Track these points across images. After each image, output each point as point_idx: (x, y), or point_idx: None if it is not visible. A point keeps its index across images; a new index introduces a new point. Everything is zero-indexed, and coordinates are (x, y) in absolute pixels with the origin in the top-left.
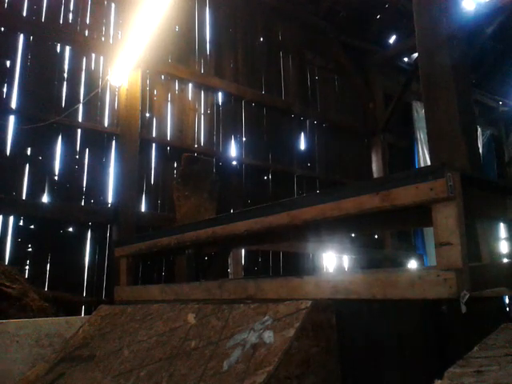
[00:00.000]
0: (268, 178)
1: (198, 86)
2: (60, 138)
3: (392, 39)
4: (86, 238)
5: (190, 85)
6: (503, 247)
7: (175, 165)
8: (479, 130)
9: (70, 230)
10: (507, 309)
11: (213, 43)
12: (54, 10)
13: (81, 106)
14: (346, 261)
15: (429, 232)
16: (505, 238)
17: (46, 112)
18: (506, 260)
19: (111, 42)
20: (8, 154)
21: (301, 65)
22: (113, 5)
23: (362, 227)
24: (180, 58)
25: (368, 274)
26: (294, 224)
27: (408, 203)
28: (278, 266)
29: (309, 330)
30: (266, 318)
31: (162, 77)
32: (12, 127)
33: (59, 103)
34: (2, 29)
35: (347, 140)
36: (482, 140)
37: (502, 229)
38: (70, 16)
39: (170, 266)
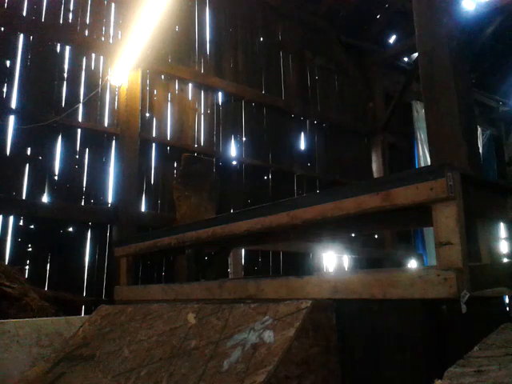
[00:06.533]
0: (268, 177)
1: (198, 86)
2: (60, 137)
3: (392, 39)
4: (85, 238)
5: (190, 85)
6: (503, 247)
7: (175, 165)
8: (479, 129)
9: (70, 230)
10: (507, 309)
11: (213, 43)
12: (53, 10)
13: (81, 106)
14: (346, 261)
15: (429, 232)
16: (505, 238)
17: (46, 112)
18: (506, 260)
19: (111, 41)
20: (8, 154)
21: (301, 65)
22: (113, 5)
23: (362, 227)
24: (180, 58)
25: (368, 274)
26: (294, 224)
27: (408, 203)
28: (277, 266)
29: (309, 330)
30: (266, 317)
31: (162, 77)
32: (12, 127)
33: (59, 103)
34: (2, 29)
35: (347, 140)
36: (482, 140)
37: (502, 229)
38: (70, 16)
39: (169, 266)
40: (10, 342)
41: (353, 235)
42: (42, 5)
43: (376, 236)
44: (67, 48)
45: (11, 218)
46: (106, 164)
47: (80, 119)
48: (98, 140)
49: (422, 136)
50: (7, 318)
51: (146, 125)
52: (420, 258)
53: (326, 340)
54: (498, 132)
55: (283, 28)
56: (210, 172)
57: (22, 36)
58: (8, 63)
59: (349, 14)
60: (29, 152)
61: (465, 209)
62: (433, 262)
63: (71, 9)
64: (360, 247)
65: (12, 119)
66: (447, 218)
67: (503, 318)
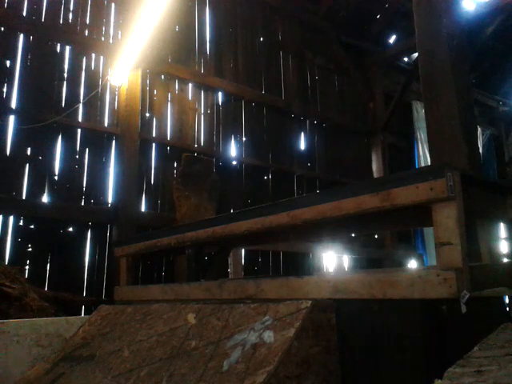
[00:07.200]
0: (268, 177)
1: (198, 86)
2: (60, 137)
3: (392, 39)
4: (85, 238)
5: (190, 85)
6: (503, 247)
7: (175, 165)
8: (479, 129)
9: (70, 230)
10: (507, 309)
11: (213, 43)
12: (53, 10)
13: (81, 106)
14: (346, 261)
15: (429, 232)
16: (505, 238)
17: (45, 112)
18: (506, 260)
19: (111, 41)
20: (8, 154)
21: (301, 65)
22: (113, 5)
23: (362, 227)
24: (180, 58)
25: (368, 274)
26: (294, 224)
27: (408, 203)
28: (277, 266)
29: (309, 330)
30: (266, 317)
31: (162, 77)
32: (12, 127)
33: (59, 103)
34: (2, 29)
35: (347, 140)
36: (482, 140)
37: (502, 229)
38: (70, 16)
39: (169, 266)
40: (10, 342)
41: (353, 235)
42: (42, 5)
43: (376, 236)
44: (67, 48)
45: (11, 218)
46: (105, 164)
47: (80, 119)
48: (97, 140)
49: (422, 136)
50: (7, 318)
51: (146, 125)
52: (420, 258)
53: (326, 340)
54: (498, 132)
55: (283, 28)
56: (210, 172)
57: (22, 36)
58: (8, 63)
59: (349, 14)
60: (29, 152)
61: (465, 209)
62: (433, 261)
63: (71, 9)
64: (360, 247)
65: (12, 119)
66: (447, 218)
67: (503, 318)
